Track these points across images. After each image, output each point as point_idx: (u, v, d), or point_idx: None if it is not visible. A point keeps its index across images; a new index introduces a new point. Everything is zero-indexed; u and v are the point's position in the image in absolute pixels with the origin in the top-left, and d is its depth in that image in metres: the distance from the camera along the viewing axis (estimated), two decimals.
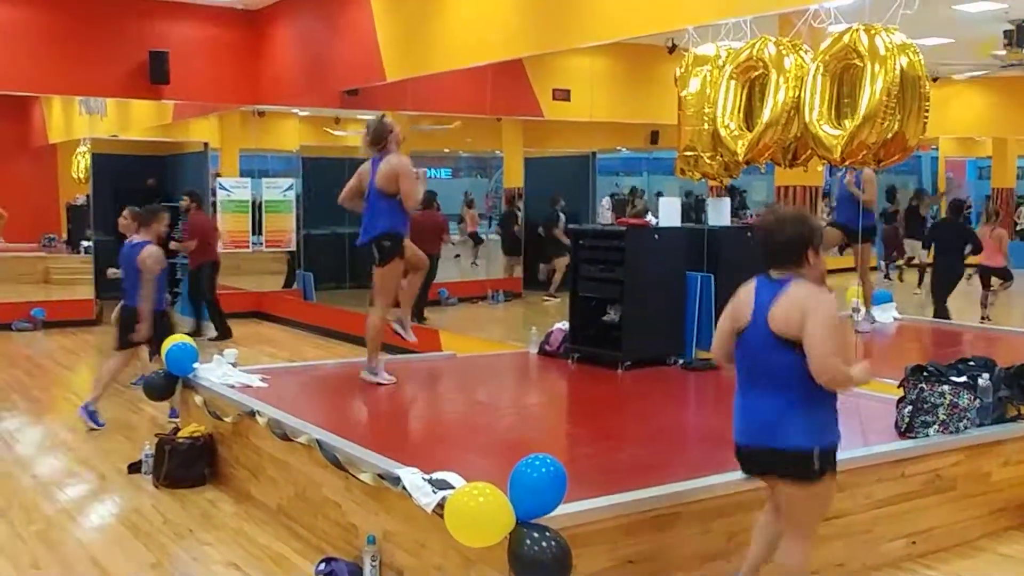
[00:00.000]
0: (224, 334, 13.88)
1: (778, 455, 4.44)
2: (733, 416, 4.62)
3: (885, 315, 10.88)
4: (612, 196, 18.62)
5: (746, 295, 4.57)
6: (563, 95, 15.31)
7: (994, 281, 13.27)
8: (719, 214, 9.74)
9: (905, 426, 6.14)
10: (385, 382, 8.11)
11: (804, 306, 4.31)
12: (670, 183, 16.33)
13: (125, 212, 10.21)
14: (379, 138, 7.89)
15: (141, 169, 17.82)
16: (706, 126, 8.43)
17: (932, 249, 13.50)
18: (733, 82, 8.13)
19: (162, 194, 16.76)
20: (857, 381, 4.43)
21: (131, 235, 9.49)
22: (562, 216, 16.47)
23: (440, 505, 4.69)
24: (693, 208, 14.10)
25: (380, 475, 5.28)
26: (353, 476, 5.51)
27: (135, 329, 8.95)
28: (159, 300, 9.10)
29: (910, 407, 6.16)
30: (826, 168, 9.84)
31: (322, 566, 5.45)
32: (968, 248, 12.97)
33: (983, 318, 13.11)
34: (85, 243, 16.59)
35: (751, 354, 4.52)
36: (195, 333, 13.46)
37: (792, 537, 4.59)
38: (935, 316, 12.30)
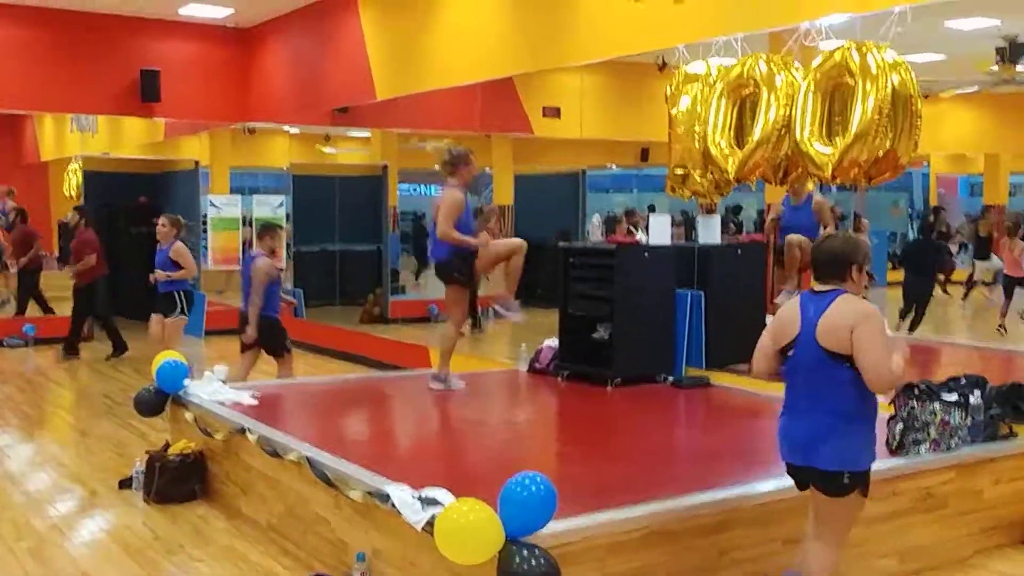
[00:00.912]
0: (121, 348, 13.88)
1: (813, 472, 4.59)
2: (778, 434, 4.75)
3: None
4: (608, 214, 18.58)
5: (791, 312, 4.67)
6: (553, 112, 15.35)
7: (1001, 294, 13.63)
8: (709, 232, 9.73)
9: (896, 444, 6.12)
10: (456, 389, 8.40)
11: (853, 321, 4.42)
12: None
13: (162, 219, 10.47)
14: (451, 165, 8.14)
15: (133, 187, 17.76)
16: (697, 144, 8.41)
17: (905, 267, 13.64)
18: (724, 100, 8.13)
19: (154, 212, 16.72)
20: (899, 375, 4.60)
21: (167, 241, 10.42)
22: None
23: (429, 522, 4.68)
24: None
25: (369, 492, 5.27)
26: (343, 493, 5.50)
27: (246, 331, 9.33)
28: (274, 306, 9.41)
29: (901, 425, 6.14)
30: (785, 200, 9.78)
31: None
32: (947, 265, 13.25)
33: (1000, 328, 13.45)
34: None
35: (800, 371, 4.62)
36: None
37: (824, 543, 4.72)
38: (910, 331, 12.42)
